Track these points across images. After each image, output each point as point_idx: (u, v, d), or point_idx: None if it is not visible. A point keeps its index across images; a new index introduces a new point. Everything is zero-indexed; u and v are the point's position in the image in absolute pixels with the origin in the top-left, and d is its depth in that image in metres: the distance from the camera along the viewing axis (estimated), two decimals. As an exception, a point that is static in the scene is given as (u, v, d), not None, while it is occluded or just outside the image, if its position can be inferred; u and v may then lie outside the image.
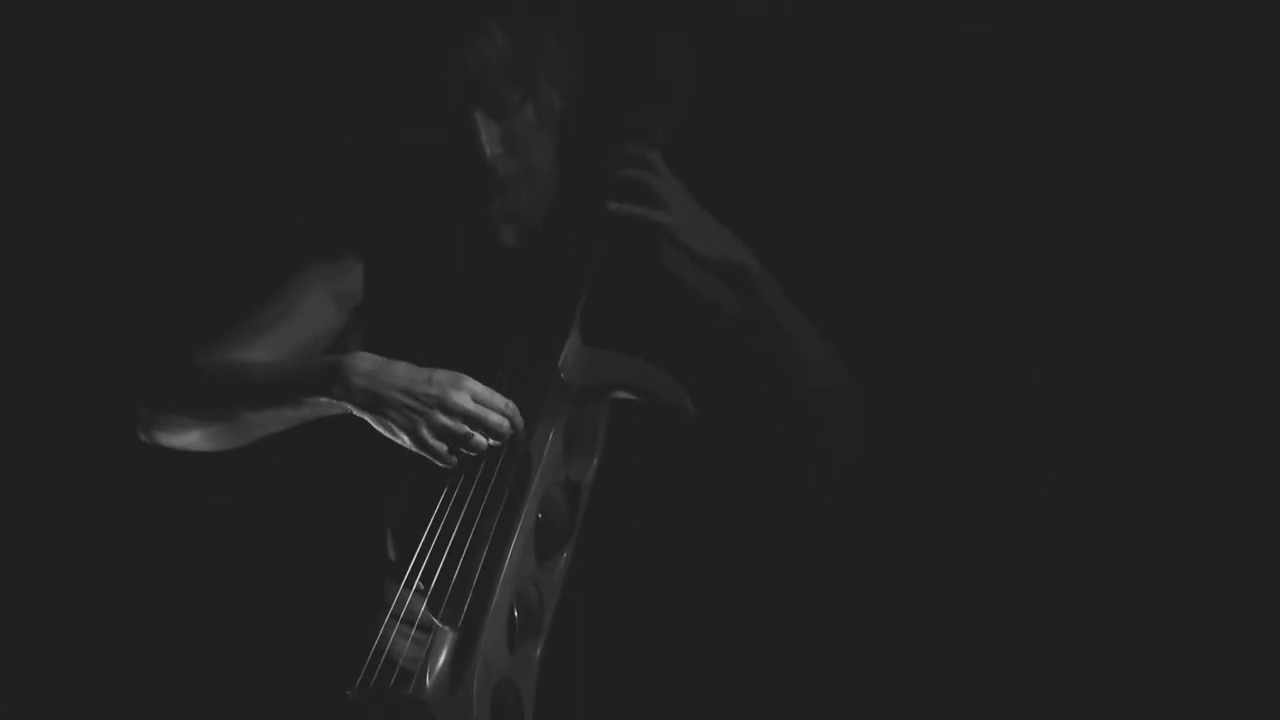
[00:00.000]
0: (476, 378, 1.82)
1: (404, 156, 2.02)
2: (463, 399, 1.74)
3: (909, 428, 2.35)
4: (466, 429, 1.74)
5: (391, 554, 2.00)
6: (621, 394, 1.83)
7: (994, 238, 2.34)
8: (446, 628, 1.70)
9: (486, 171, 1.90)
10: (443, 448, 1.75)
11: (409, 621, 1.73)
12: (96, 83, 2.46)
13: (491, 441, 1.76)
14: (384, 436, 1.79)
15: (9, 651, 2.44)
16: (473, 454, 1.76)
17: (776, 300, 1.94)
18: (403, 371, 1.76)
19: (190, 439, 1.92)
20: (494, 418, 1.75)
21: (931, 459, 2.35)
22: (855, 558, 2.34)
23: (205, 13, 2.44)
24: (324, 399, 1.78)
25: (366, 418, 1.78)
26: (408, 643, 1.73)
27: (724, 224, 2.12)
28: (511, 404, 1.77)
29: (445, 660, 1.69)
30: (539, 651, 1.77)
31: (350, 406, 1.78)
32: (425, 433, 1.74)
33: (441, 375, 1.76)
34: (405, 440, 1.76)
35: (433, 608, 1.71)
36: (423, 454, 1.76)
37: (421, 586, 1.73)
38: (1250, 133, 2.22)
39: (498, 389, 1.81)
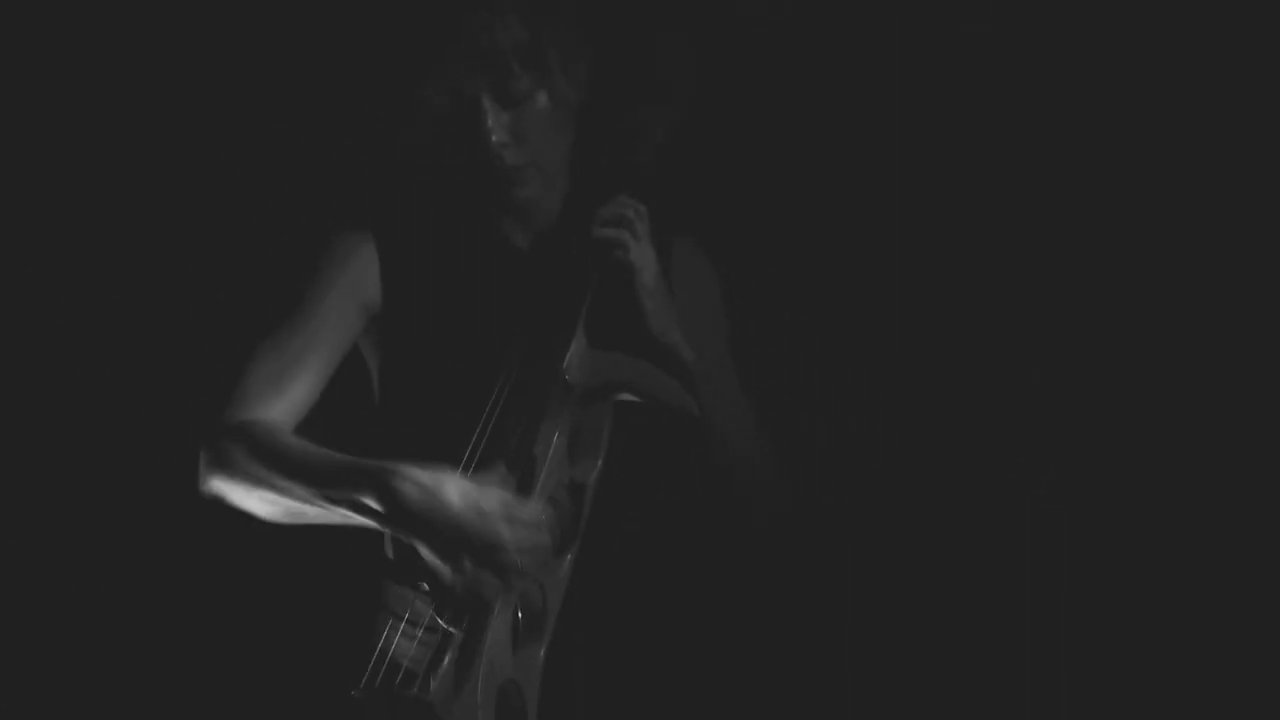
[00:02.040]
0: (480, 379, 1.82)
1: (409, 154, 2.01)
2: (517, 538, 1.68)
3: (909, 428, 2.36)
4: (515, 561, 1.68)
5: (389, 552, 2.00)
6: (625, 395, 1.82)
7: (994, 238, 2.34)
8: (451, 629, 1.70)
9: (492, 158, 1.90)
10: (494, 583, 1.69)
11: (414, 622, 1.73)
12: (96, 83, 2.45)
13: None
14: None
15: (9, 651, 2.44)
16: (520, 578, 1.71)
17: (709, 396, 1.91)
18: (455, 507, 1.68)
19: (249, 505, 1.85)
20: (543, 541, 1.71)
21: (931, 459, 2.35)
22: (856, 557, 2.34)
23: (205, 11, 2.44)
24: (369, 521, 1.74)
25: (412, 541, 1.72)
26: (413, 644, 1.73)
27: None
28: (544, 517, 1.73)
29: (450, 661, 1.69)
30: (543, 652, 1.76)
31: (398, 532, 1.73)
32: (469, 570, 1.67)
33: (492, 506, 1.68)
34: (446, 573, 1.69)
35: (437, 609, 1.71)
36: (457, 577, 1.70)
37: (425, 587, 1.73)
38: (1250, 133, 2.22)
39: (501, 390, 1.81)
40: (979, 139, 2.34)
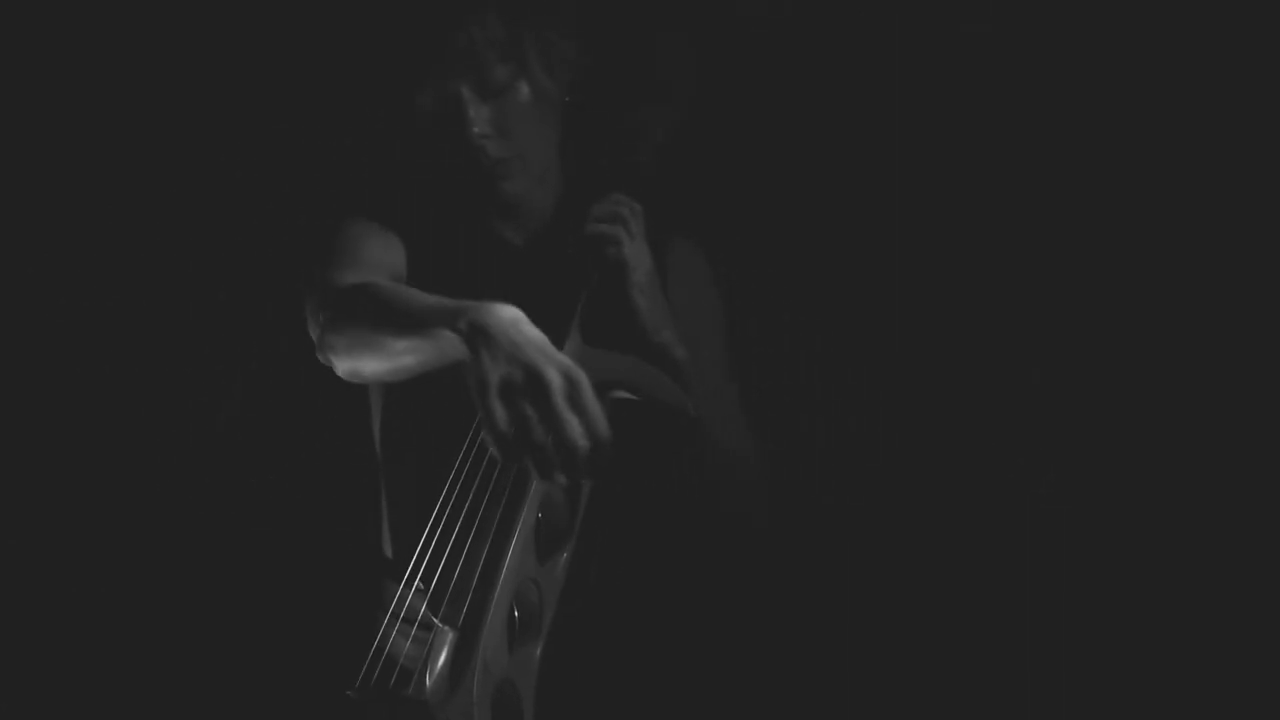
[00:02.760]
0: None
1: (404, 156, 2.02)
2: (554, 380, 1.54)
3: (909, 428, 2.36)
4: (532, 414, 1.54)
5: (388, 551, 2.00)
6: (621, 393, 1.82)
7: (993, 238, 2.34)
8: (447, 627, 1.70)
9: (475, 152, 1.91)
10: (500, 414, 1.55)
11: (410, 620, 1.73)
12: (91, 84, 2.46)
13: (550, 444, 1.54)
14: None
15: (9, 651, 2.44)
16: (529, 444, 1.54)
17: (702, 395, 1.92)
18: (531, 333, 1.59)
19: (359, 364, 1.78)
20: (573, 427, 1.53)
21: (931, 459, 2.35)
22: (856, 557, 2.34)
23: (203, 12, 2.44)
24: (448, 331, 1.63)
25: (466, 352, 1.61)
26: (408, 642, 1.73)
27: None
28: (608, 442, 1.55)
29: (445, 660, 1.69)
30: (539, 652, 1.76)
31: (461, 338, 1.61)
32: (494, 382, 1.55)
33: (564, 358, 1.57)
34: (472, 385, 1.57)
35: (433, 607, 1.71)
36: (479, 409, 1.56)
37: (421, 586, 1.73)
38: (1250, 133, 2.22)
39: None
40: (978, 139, 2.33)
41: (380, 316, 1.73)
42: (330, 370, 1.91)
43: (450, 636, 1.70)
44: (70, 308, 2.46)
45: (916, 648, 2.31)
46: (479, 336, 1.59)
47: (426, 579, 1.72)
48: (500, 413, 1.54)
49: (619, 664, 1.95)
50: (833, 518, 2.34)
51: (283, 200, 2.44)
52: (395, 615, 1.74)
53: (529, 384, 1.54)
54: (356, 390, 2.08)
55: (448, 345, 1.63)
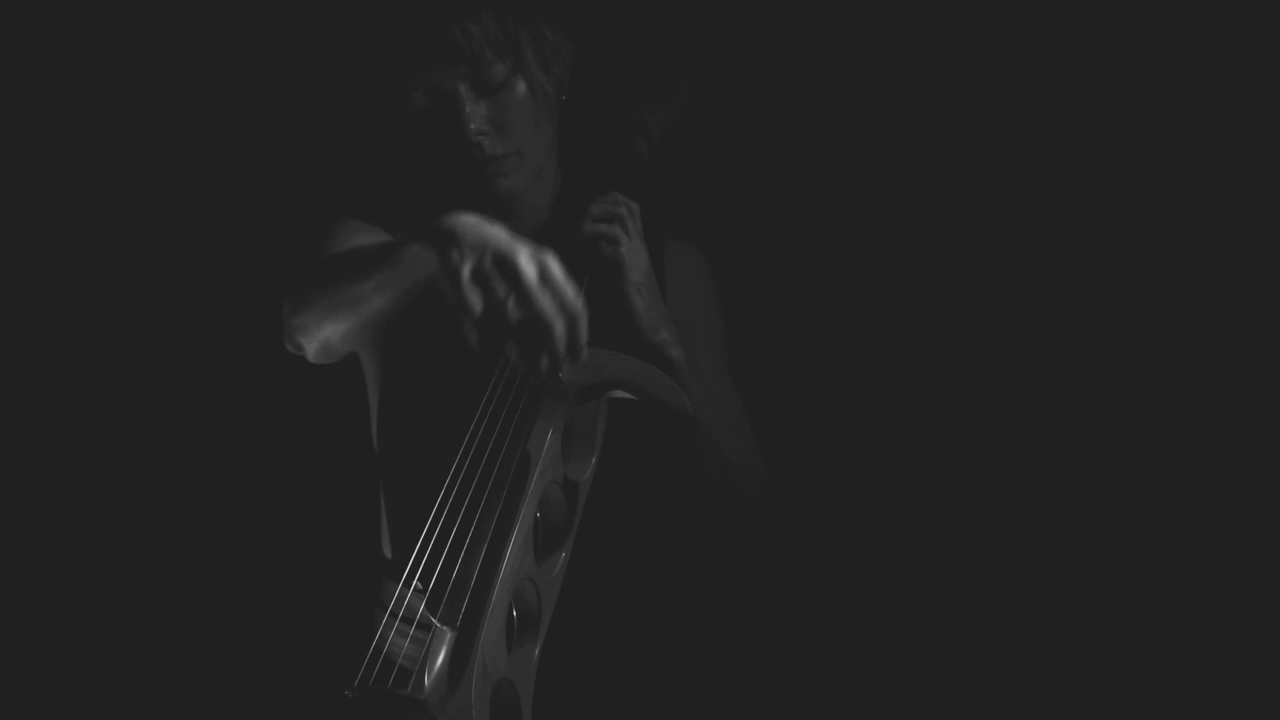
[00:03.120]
0: (475, 376, 1.81)
1: (395, 155, 2.02)
2: (522, 261, 1.56)
3: (909, 428, 2.36)
4: (505, 289, 1.56)
5: (387, 552, 2.00)
6: (619, 393, 1.82)
7: (991, 235, 2.34)
8: (445, 627, 1.70)
9: (471, 149, 1.91)
10: (475, 301, 1.56)
11: (408, 620, 1.73)
12: (83, 86, 2.46)
13: (525, 324, 1.57)
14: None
15: (9, 651, 2.44)
16: (503, 327, 1.57)
17: (699, 394, 1.92)
18: (496, 227, 1.60)
19: (327, 330, 1.81)
20: (545, 302, 1.57)
21: (931, 458, 2.35)
22: (854, 557, 2.34)
23: (196, 11, 2.44)
24: (415, 245, 1.64)
25: (435, 260, 1.61)
26: (407, 641, 1.73)
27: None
28: (583, 318, 1.60)
29: (444, 659, 1.68)
30: (538, 651, 1.76)
31: (430, 246, 1.61)
32: (466, 272, 1.56)
33: (530, 242, 1.59)
34: (445, 281, 1.58)
35: (431, 607, 1.71)
36: (455, 301, 1.57)
37: (420, 586, 1.72)
38: (1250, 133, 2.22)
39: (496, 385, 1.81)
40: (978, 138, 2.33)
41: (343, 267, 1.75)
42: (328, 369, 1.91)
43: (449, 636, 1.69)
44: (71, 307, 2.47)
45: (916, 648, 2.32)
46: (447, 238, 1.60)
47: (425, 578, 1.72)
48: (474, 300, 1.57)
49: (618, 664, 1.95)
50: (832, 520, 2.34)
51: (279, 201, 2.44)
52: (394, 615, 1.74)
53: (498, 267, 1.57)
54: (355, 390, 2.08)
55: (416, 263, 1.65)
